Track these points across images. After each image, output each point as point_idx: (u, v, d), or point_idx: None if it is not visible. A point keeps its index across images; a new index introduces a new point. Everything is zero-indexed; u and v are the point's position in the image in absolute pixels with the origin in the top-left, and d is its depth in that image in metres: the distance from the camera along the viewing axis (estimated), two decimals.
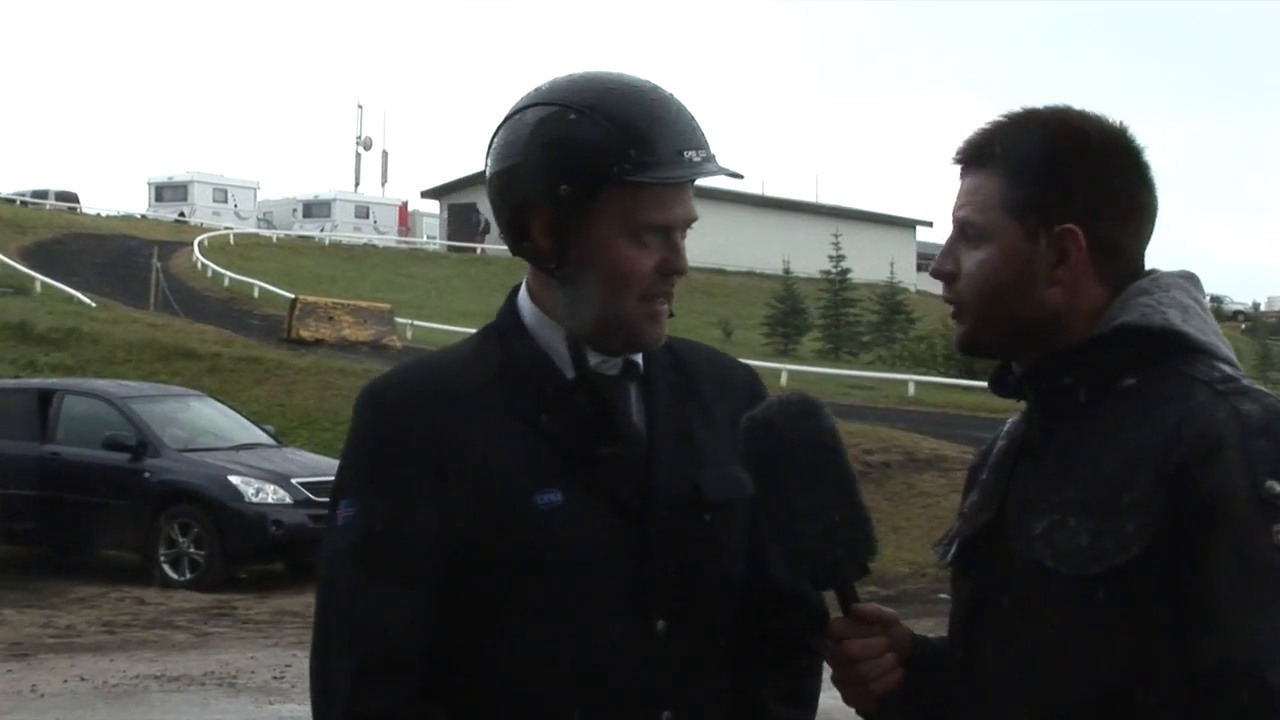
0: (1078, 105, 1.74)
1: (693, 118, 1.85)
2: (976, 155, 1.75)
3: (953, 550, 1.82)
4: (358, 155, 62.87)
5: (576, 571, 1.79)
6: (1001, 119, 1.75)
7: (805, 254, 47.72)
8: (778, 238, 52.15)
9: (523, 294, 1.92)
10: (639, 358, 1.90)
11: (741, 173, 1.89)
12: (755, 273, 50.56)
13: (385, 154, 63.81)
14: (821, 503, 1.72)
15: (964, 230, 1.75)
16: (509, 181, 1.84)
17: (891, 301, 38.05)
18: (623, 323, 1.83)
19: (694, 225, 1.88)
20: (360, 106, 67.54)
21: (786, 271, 38.56)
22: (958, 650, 1.77)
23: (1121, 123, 1.72)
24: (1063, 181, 1.70)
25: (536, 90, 1.86)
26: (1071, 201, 1.70)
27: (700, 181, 1.86)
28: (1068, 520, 1.64)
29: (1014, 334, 1.73)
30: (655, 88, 1.84)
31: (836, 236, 37.80)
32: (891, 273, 39.16)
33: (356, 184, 61.96)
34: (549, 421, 1.82)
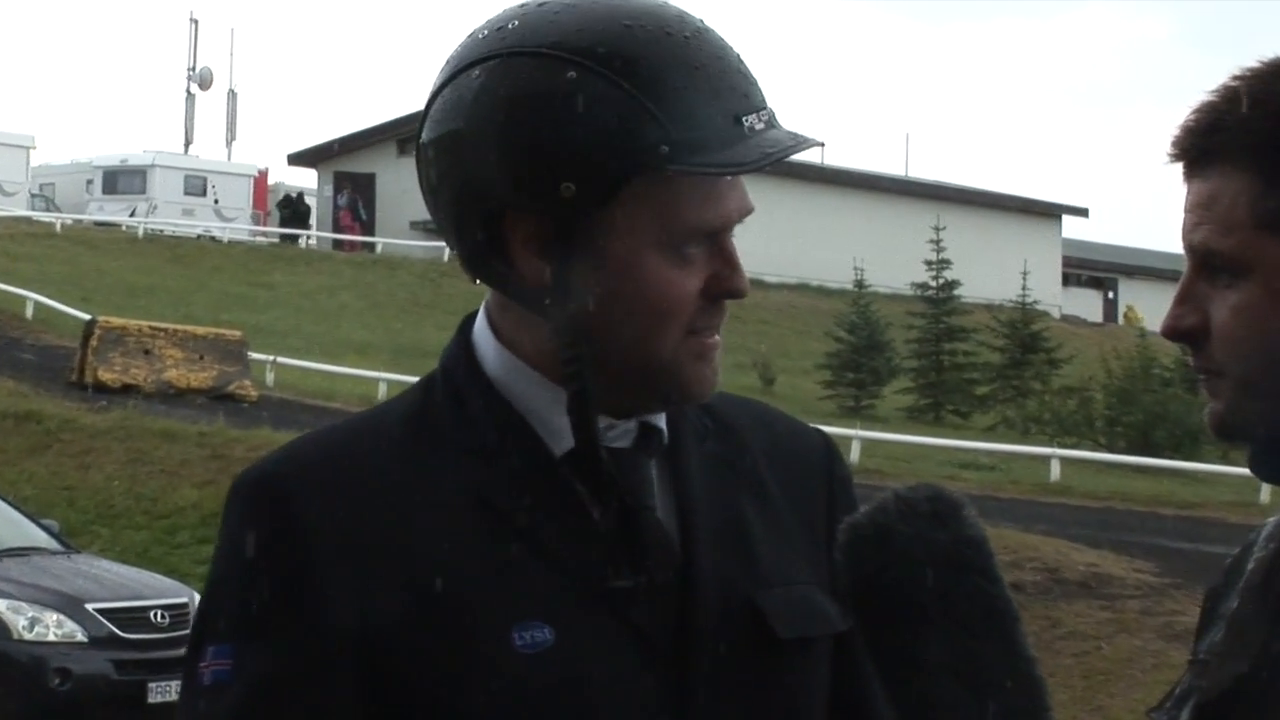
0: None
1: (739, 57, 1.89)
2: (1206, 146, 1.77)
3: (1185, 718, 1.84)
4: (189, 97, 63.18)
5: None
6: (1235, 82, 1.77)
7: (888, 257, 47.90)
8: (846, 232, 52.42)
9: (481, 327, 1.96)
10: (662, 421, 1.94)
11: (821, 139, 1.92)
12: (810, 285, 50.82)
13: (233, 96, 63.91)
14: (968, 655, 1.75)
15: (1206, 262, 1.78)
16: (465, 172, 1.87)
17: (1023, 333, 38.24)
18: (660, 370, 1.87)
19: None
20: (194, 21, 67.88)
21: (859, 284, 38.79)
22: None
23: None
24: None
25: (505, 22, 1.88)
26: None
27: None
28: None
29: None
30: (680, 18, 1.88)
31: (938, 231, 38.00)
32: (1023, 287, 39.36)
33: (188, 143, 62.24)
34: (531, 521, 1.86)
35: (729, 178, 1.86)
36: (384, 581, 1.83)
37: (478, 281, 1.93)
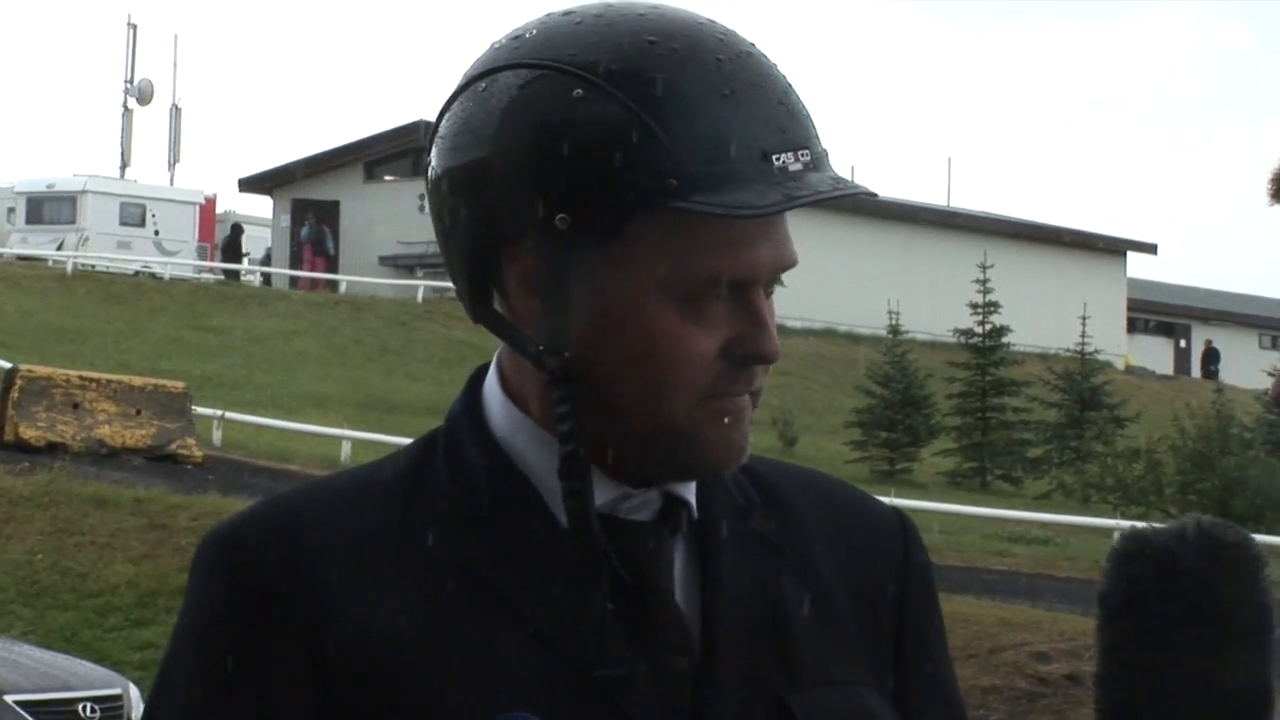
0: None
1: (787, 89, 1.89)
2: None
3: None
4: (126, 113, 63.34)
5: None
6: None
7: (928, 299, 47.88)
8: (879, 270, 52.48)
9: (491, 381, 1.98)
10: (690, 491, 1.95)
11: (873, 190, 1.92)
12: (837, 331, 50.84)
13: (176, 112, 64.09)
14: None
15: None
16: (466, 196, 1.89)
17: (1082, 387, 38.24)
18: (674, 436, 1.87)
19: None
20: (132, 26, 68.14)
21: (894, 330, 38.80)
22: None
23: None
24: None
25: (524, 30, 1.90)
26: None
27: None
28: None
29: None
30: (721, 38, 1.87)
31: (984, 269, 38.05)
32: (1083, 333, 39.40)
33: (124, 165, 62.34)
34: (523, 597, 1.87)
35: (761, 221, 1.84)
36: (349, 658, 1.85)
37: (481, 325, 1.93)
